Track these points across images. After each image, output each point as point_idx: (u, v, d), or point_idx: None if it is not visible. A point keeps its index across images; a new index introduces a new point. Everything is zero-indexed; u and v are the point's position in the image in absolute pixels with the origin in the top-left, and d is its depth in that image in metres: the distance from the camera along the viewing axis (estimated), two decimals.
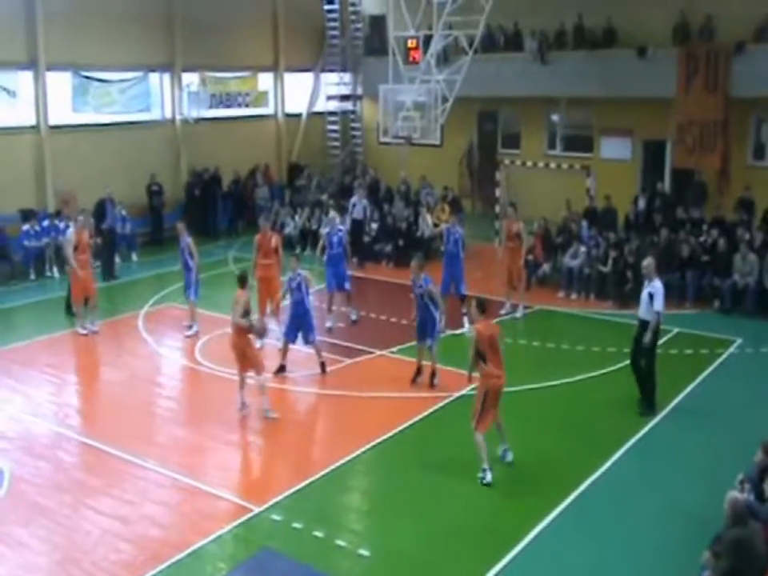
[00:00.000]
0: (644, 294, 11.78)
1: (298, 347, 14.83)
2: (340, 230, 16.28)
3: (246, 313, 11.70)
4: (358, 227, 20.96)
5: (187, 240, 15.35)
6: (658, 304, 11.52)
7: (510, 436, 11.31)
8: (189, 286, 15.41)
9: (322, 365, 13.45)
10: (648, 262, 11.96)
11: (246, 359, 11.81)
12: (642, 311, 11.83)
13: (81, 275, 15.46)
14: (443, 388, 12.73)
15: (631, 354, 12.15)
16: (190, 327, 15.45)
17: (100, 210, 20.36)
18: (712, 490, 8.93)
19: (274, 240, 15.37)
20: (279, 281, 14.96)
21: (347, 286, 16.04)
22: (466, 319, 15.34)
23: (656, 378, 11.97)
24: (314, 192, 24.92)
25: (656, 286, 11.61)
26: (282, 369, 13.40)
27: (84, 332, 15.51)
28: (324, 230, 17.01)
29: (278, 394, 12.87)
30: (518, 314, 16.46)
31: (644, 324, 11.75)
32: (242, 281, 12.07)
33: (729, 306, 16.58)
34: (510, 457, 10.50)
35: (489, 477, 9.95)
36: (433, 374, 12.90)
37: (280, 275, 15.09)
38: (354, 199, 21.61)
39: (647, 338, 11.63)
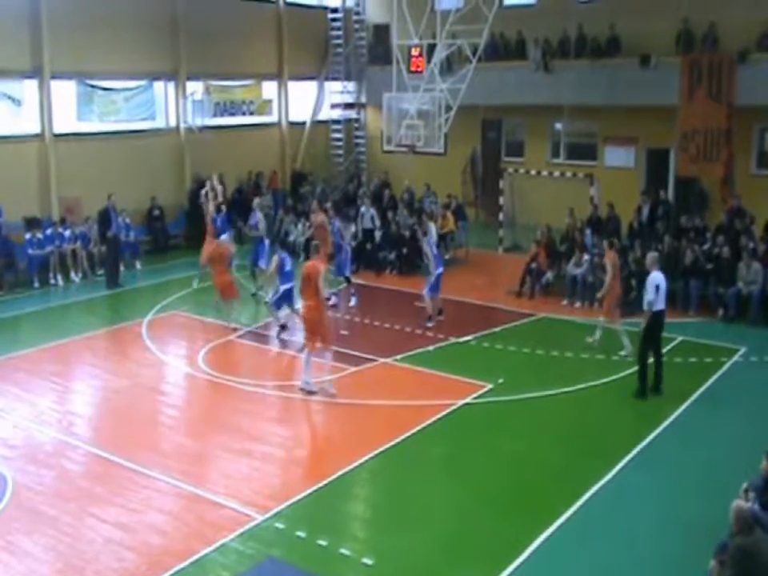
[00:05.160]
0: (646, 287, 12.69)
1: (300, 355, 14.85)
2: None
3: None
4: (368, 236, 21.11)
5: None
6: (649, 294, 12.40)
7: (514, 444, 11.35)
8: None
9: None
10: (648, 256, 13.15)
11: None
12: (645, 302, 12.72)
13: None
14: (446, 396, 12.73)
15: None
16: None
17: (104, 218, 20.39)
18: (716, 499, 8.89)
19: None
20: None
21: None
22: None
23: (645, 366, 12.69)
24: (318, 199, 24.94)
25: (649, 279, 12.52)
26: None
27: None
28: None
29: (281, 403, 12.88)
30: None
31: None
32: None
33: (733, 315, 16.56)
34: None
35: (304, 384, 12.85)
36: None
37: None
38: (362, 209, 21.71)
39: (641, 326, 12.74)
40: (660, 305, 12.47)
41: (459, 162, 26.67)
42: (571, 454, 11.06)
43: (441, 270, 16.32)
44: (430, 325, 16.17)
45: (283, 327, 15.81)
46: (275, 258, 15.44)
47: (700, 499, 9.78)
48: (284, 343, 15.59)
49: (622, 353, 14.46)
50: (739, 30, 20.73)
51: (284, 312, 16.03)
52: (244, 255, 19.79)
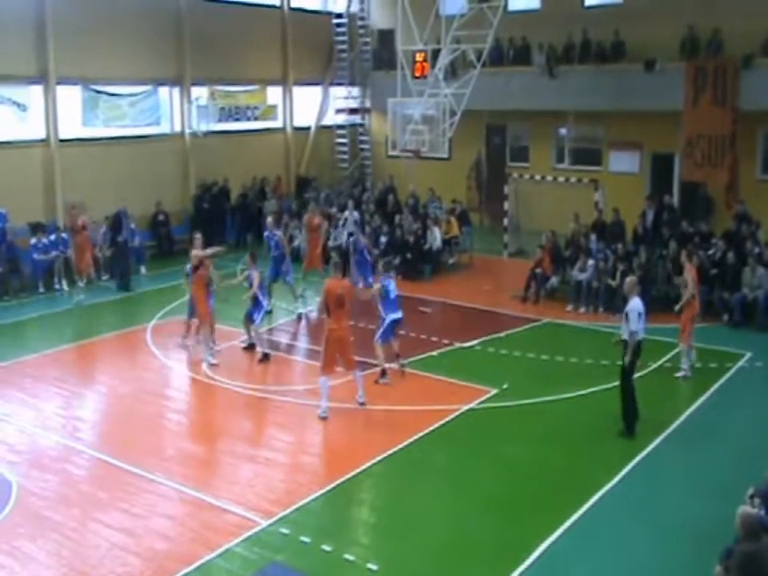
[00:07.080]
0: (624, 314, 11.56)
1: (304, 360, 14.87)
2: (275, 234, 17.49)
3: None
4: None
5: None
6: (632, 324, 11.27)
7: (517, 449, 11.33)
8: None
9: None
10: (627, 280, 11.95)
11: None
12: (623, 331, 11.60)
13: None
14: (451, 401, 12.71)
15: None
16: None
17: (116, 223, 20.44)
18: (721, 504, 8.89)
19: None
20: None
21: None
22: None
23: (636, 401, 11.64)
24: (322, 205, 24.95)
25: (631, 306, 11.38)
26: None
27: None
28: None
29: (285, 408, 12.87)
30: None
31: (625, 344, 11.52)
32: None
33: (738, 320, 16.52)
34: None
35: (323, 412, 12.06)
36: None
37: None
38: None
39: (625, 360, 11.47)
40: (642, 333, 11.44)
41: (464, 167, 26.69)
42: (575, 460, 11.04)
43: (397, 316, 13.84)
44: (383, 382, 13.54)
45: (266, 355, 14.84)
46: (256, 274, 14.69)
47: (705, 505, 9.75)
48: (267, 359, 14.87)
49: (679, 374, 13.81)
50: (743, 36, 20.72)
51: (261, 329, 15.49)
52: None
